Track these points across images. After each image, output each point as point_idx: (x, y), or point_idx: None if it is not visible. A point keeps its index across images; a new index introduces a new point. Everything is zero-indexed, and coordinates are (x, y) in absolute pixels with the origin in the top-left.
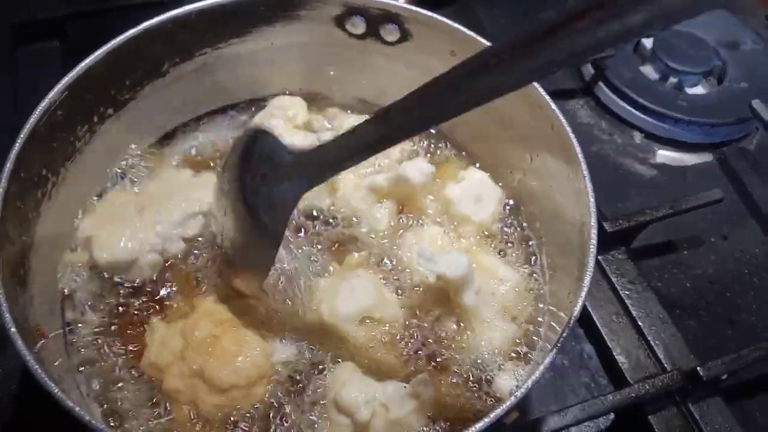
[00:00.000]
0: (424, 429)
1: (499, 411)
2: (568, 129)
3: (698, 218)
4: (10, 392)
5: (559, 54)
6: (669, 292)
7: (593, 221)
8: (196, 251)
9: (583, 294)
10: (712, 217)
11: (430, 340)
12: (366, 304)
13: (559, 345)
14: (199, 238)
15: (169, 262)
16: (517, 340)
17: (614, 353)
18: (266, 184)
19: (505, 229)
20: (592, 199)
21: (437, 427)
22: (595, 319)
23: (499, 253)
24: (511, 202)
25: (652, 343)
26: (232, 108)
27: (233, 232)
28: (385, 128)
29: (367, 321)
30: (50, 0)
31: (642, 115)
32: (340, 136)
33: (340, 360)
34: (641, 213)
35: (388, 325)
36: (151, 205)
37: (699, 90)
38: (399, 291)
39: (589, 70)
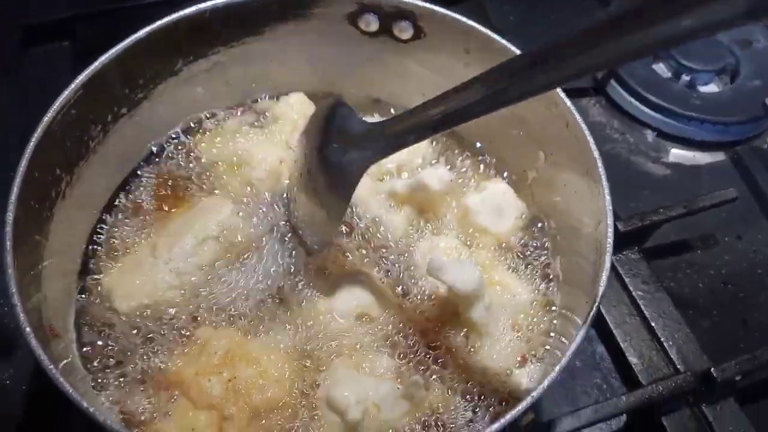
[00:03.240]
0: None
1: (515, 412)
2: (584, 126)
3: (712, 218)
4: (21, 392)
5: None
6: (682, 292)
7: (609, 219)
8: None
9: (603, 280)
10: (726, 217)
11: (433, 347)
12: (364, 302)
13: (577, 342)
14: (217, 263)
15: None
16: (526, 354)
17: (627, 354)
18: (339, 152)
19: (522, 241)
20: (608, 196)
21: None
22: (607, 320)
23: (515, 267)
24: (532, 206)
25: (665, 344)
26: (242, 107)
27: (307, 194)
28: (451, 106)
29: (364, 318)
30: (60, 1)
31: (654, 114)
32: (408, 111)
33: (335, 356)
34: (655, 212)
35: (385, 325)
36: (162, 241)
37: (712, 88)
38: (408, 297)
39: None
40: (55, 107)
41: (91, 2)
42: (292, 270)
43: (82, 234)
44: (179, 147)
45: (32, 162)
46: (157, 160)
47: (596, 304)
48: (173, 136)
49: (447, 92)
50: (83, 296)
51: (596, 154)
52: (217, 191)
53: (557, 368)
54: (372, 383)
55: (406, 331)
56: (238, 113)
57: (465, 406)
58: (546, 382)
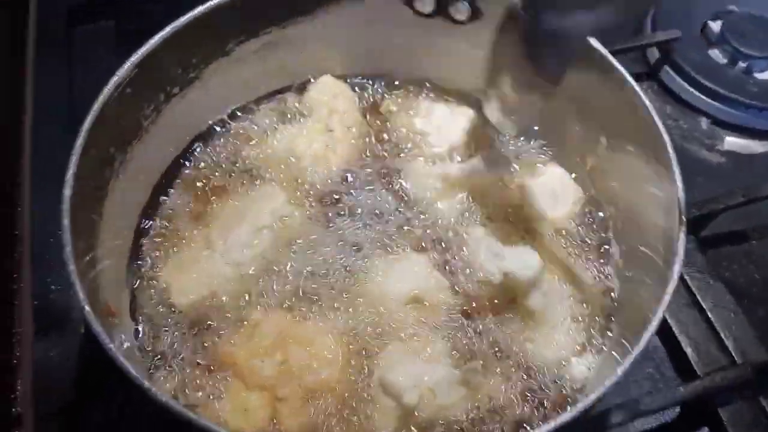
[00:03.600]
0: (471, 418)
1: (586, 402)
2: (652, 110)
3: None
4: (68, 369)
5: None
6: (738, 282)
7: (683, 206)
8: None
9: (670, 292)
10: None
11: (488, 334)
12: (417, 286)
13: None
14: (271, 251)
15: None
16: (586, 345)
17: (682, 345)
18: (561, 16)
19: (581, 227)
20: (679, 183)
21: (486, 419)
22: None
23: (572, 253)
24: (590, 192)
25: (721, 334)
26: (292, 89)
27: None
28: None
29: (418, 303)
30: None
31: (709, 100)
32: None
33: (389, 340)
34: (713, 201)
35: (439, 309)
36: (216, 233)
37: None
38: (462, 283)
39: (654, 53)
40: (110, 85)
41: None
42: (344, 255)
43: (134, 215)
44: (228, 135)
45: (89, 139)
46: (207, 145)
47: (667, 297)
48: (222, 121)
49: None
50: (137, 281)
51: (666, 138)
52: (263, 179)
53: (631, 357)
54: (428, 367)
55: (460, 316)
56: (273, 105)
57: (522, 394)
58: (620, 371)
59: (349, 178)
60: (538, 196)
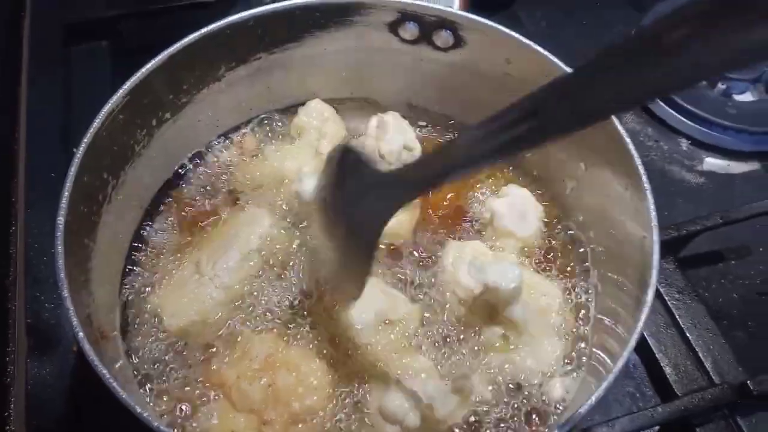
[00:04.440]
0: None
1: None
2: (629, 141)
3: (747, 228)
4: (62, 388)
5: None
6: (716, 302)
7: (655, 236)
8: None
9: (644, 315)
10: (760, 227)
11: (469, 344)
12: (379, 308)
13: (624, 358)
14: (259, 274)
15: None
16: (565, 358)
17: (661, 364)
18: (356, 200)
19: (551, 244)
20: (653, 213)
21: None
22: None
23: (543, 270)
24: (561, 214)
25: (700, 354)
26: (281, 112)
27: (326, 250)
28: (491, 142)
29: (385, 324)
30: (100, 1)
31: (689, 122)
32: (435, 150)
33: (373, 366)
34: (692, 223)
35: (407, 325)
36: (205, 257)
37: (747, 97)
38: (433, 296)
39: None
40: (103, 112)
41: (130, 3)
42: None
43: (125, 239)
44: (218, 159)
45: (82, 166)
46: (197, 169)
47: (641, 323)
48: (212, 145)
49: (497, 114)
50: (129, 304)
51: (642, 170)
52: (251, 202)
53: (605, 384)
54: (419, 384)
55: (436, 330)
56: (263, 129)
57: (500, 407)
58: (594, 398)
59: None
60: (507, 215)
